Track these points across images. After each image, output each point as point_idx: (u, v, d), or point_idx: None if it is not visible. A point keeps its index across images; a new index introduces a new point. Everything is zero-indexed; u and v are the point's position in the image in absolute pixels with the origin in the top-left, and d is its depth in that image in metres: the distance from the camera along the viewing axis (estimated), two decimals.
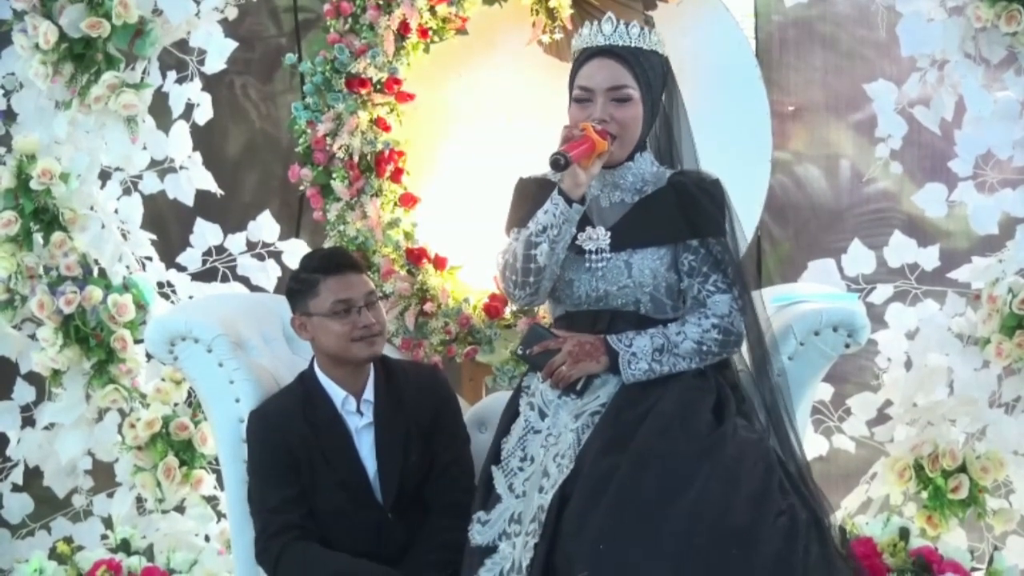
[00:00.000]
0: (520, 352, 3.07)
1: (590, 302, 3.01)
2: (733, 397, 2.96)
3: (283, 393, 3.33)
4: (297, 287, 3.23)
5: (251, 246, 4.31)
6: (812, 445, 4.09)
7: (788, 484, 2.82)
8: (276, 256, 4.30)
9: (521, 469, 2.94)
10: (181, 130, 4.25)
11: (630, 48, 3.01)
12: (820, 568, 2.69)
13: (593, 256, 3.00)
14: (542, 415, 3.01)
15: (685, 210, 2.97)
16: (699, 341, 2.92)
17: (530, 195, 3.08)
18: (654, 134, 3.10)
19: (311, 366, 3.28)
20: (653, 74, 3.02)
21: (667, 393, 2.90)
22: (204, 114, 4.29)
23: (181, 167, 4.28)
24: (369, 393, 3.25)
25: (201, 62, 4.26)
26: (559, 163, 2.86)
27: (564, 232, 2.95)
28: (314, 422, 3.21)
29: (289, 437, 3.20)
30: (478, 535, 2.92)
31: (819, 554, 2.71)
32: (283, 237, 4.34)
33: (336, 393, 3.24)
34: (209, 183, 4.29)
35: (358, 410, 3.24)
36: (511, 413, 3.07)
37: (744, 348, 3.04)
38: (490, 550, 2.89)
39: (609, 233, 3.01)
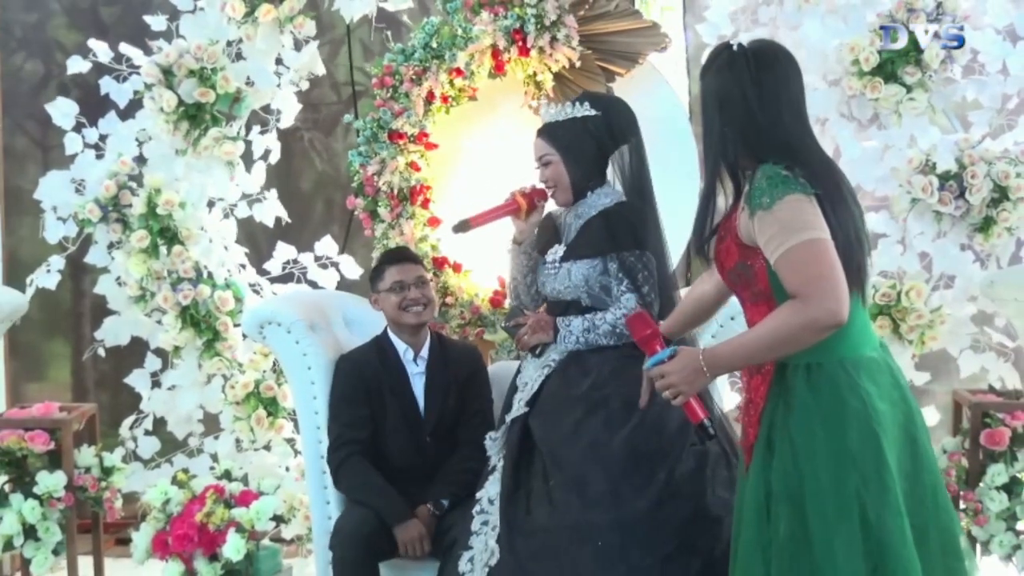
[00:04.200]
0: (504, 325, 3.21)
1: (554, 295, 3.09)
2: None
3: (364, 345, 3.42)
4: (373, 273, 3.39)
5: (318, 259, 4.32)
6: (729, 399, 3.97)
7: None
8: (335, 266, 4.31)
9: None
10: (260, 169, 4.28)
11: (549, 124, 3.07)
12: (725, 484, 2.76)
13: (549, 266, 3.10)
14: (520, 371, 3.15)
15: (609, 231, 2.99)
16: (613, 325, 2.94)
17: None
18: (621, 169, 3.07)
19: (384, 331, 3.39)
20: (572, 136, 3.03)
21: (603, 359, 2.96)
22: (275, 156, 4.29)
23: (263, 198, 4.28)
24: (425, 352, 3.36)
25: (278, 120, 4.27)
26: (463, 227, 3.18)
27: (521, 267, 3.18)
28: (384, 362, 3.33)
29: (366, 370, 3.31)
30: (489, 448, 3.04)
31: (725, 476, 2.78)
32: (342, 251, 4.36)
33: (400, 346, 3.35)
34: (280, 211, 4.30)
35: (415, 360, 3.34)
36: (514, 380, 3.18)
37: None
38: (495, 468, 2.98)
39: (564, 248, 3.08)
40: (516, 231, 3.19)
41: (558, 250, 3.10)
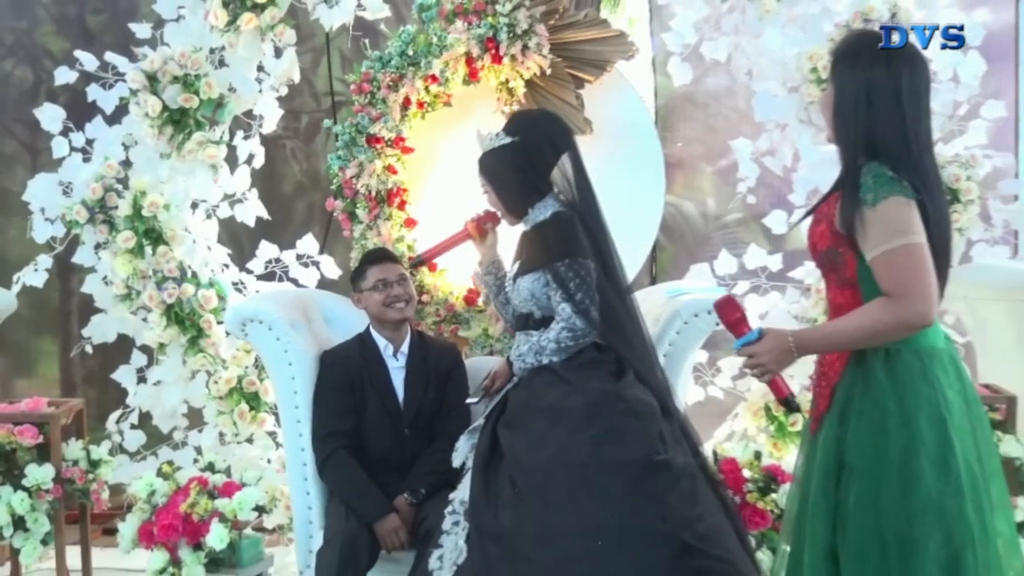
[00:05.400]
0: (475, 402, 3.27)
1: (517, 308, 3.09)
2: (632, 366, 2.94)
3: (347, 342, 3.47)
4: (355, 274, 3.44)
5: (299, 257, 4.31)
6: (693, 394, 4.11)
7: (668, 436, 2.81)
8: (316, 264, 4.31)
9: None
10: (244, 172, 4.29)
11: (480, 158, 3.09)
12: (685, 497, 2.68)
13: (509, 282, 3.16)
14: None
15: (542, 244, 3.00)
16: (556, 340, 2.92)
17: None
18: (561, 182, 3.05)
19: (367, 328, 3.44)
20: (493, 166, 3.06)
21: (566, 364, 2.94)
22: (259, 161, 4.29)
23: (245, 199, 4.27)
24: (405, 348, 3.41)
25: (260, 125, 4.27)
26: (419, 263, 3.50)
27: (489, 287, 3.31)
28: (366, 357, 3.38)
29: (348, 364, 3.36)
30: (455, 459, 3.06)
31: (688, 488, 2.71)
32: (321, 251, 4.36)
33: (381, 342, 3.40)
34: (262, 211, 4.30)
35: (395, 355, 3.39)
36: None
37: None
38: (469, 470, 2.97)
39: (518, 263, 3.12)
40: (480, 255, 3.29)
41: (515, 267, 3.13)
